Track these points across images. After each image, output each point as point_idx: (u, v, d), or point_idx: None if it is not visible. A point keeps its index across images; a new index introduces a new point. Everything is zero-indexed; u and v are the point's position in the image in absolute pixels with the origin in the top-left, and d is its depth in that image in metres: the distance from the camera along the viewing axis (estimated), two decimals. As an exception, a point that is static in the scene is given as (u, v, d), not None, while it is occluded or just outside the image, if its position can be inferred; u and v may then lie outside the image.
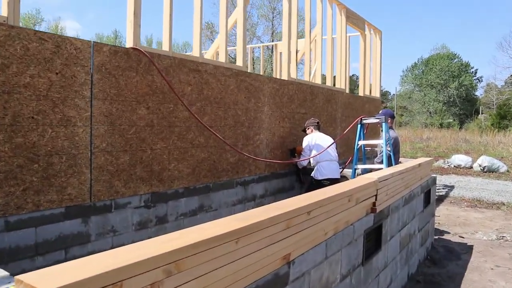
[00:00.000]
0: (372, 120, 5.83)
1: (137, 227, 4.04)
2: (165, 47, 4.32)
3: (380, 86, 10.88)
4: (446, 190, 10.92)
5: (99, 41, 3.76)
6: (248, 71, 5.64)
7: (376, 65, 10.30)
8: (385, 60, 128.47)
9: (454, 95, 52.21)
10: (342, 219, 2.70)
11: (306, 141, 6.01)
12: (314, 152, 5.86)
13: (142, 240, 1.56)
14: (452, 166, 15.90)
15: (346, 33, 8.26)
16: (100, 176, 3.69)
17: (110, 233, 3.80)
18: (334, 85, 8.27)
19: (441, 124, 47.58)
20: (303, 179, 6.35)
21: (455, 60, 54.62)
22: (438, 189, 10.61)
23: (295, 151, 6.27)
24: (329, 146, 5.74)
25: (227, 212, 5.19)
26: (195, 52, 4.73)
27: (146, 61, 4.03)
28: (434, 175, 6.01)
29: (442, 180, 12.58)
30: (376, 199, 3.32)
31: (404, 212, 4.28)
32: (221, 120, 5.00)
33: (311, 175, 5.92)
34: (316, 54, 7.68)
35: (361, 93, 9.60)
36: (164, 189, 4.31)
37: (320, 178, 5.78)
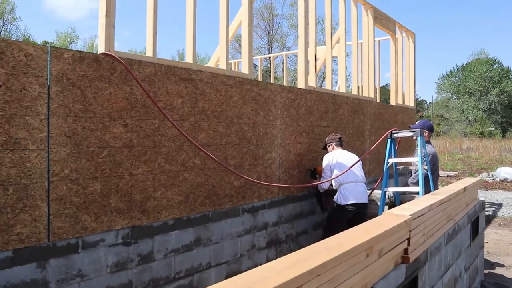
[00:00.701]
0: (404, 134, 4.93)
1: (113, 269, 3.31)
2: (149, 53, 3.63)
3: (415, 94, 9.87)
4: (494, 209, 9.71)
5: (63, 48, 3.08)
6: (259, 79, 4.86)
7: (409, 71, 9.32)
8: (420, 67, 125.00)
9: (495, 102, 49.60)
10: (357, 284, 1.87)
11: (326, 160, 5.16)
12: (336, 173, 5.01)
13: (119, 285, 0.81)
14: (498, 180, 14.50)
15: (374, 35, 7.39)
16: (62, 209, 3.00)
17: (77, 278, 3.09)
18: (361, 94, 7.39)
19: (481, 133, 45.15)
20: (325, 203, 5.48)
21: (495, 66, 52.02)
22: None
23: (316, 171, 5.43)
24: (353, 165, 4.87)
25: (231, 245, 4.41)
26: (188, 59, 4.02)
27: (122, 69, 3.34)
28: (482, 199, 5.02)
29: (487, 196, 11.33)
30: (408, 244, 2.46)
31: (447, 251, 3.36)
32: (222, 137, 4.25)
33: (334, 199, 5.06)
34: (340, 60, 6.83)
35: (392, 102, 8.65)
36: (148, 222, 3.58)
37: (344, 203, 4.92)
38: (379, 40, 8.90)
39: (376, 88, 8.68)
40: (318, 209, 5.69)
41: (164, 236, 3.72)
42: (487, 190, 12.62)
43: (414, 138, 4.90)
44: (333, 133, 5.48)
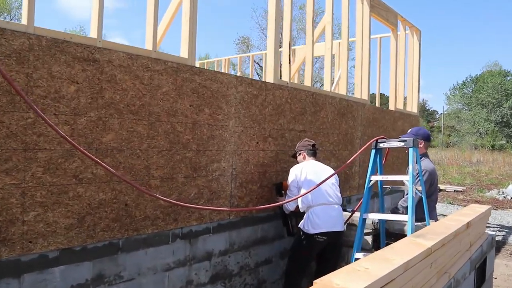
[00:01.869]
0: (393, 144, 3.81)
1: None
2: (23, 19, 2.57)
3: (419, 99, 8.72)
4: (504, 233, 8.50)
5: None
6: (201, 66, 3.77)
7: (412, 73, 8.19)
8: (432, 76, 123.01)
9: (507, 115, 47.95)
10: None
11: (293, 174, 4.07)
12: (303, 191, 3.91)
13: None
14: (509, 198, 13.23)
15: (370, 27, 6.28)
16: None
17: None
18: (352, 94, 6.28)
19: (492, 146, 43.56)
20: (292, 227, 4.36)
21: (508, 78, 50.38)
22: (492, 231, 8.23)
23: (282, 186, 4.34)
24: (323, 181, 3.75)
25: (155, 282, 3.33)
26: (92, 32, 2.95)
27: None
28: (492, 233, 3.88)
29: (497, 217, 10.11)
30: None
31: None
32: (142, 139, 3.18)
33: (300, 225, 3.96)
34: (326, 53, 5.71)
35: (391, 107, 7.52)
36: (13, 255, 2.51)
37: (312, 232, 3.81)
38: (380, 37, 7.79)
39: (376, 93, 7.59)
40: (286, 234, 4.57)
41: (40, 274, 2.65)
42: (496, 209, 11.39)
43: (406, 149, 3.79)
44: (306, 139, 4.38)
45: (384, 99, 18.51)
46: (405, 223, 3.81)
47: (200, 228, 3.67)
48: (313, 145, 4.28)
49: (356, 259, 3.54)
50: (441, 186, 14.84)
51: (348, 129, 5.90)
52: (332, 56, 6.37)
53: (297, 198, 3.94)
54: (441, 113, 57.22)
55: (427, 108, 64.95)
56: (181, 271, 3.53)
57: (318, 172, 3.99)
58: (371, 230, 4.17)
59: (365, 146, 3.86)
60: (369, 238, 4.21)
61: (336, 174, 4.13)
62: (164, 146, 3.32)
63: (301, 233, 3.91)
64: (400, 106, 7.87)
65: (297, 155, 4.30)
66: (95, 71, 2.88)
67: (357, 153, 3.83)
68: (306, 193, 3.76)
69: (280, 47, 4.75)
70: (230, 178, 3.92)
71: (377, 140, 3.84)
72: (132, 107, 3.11)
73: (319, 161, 4.32)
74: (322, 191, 3.89)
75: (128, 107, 3.08)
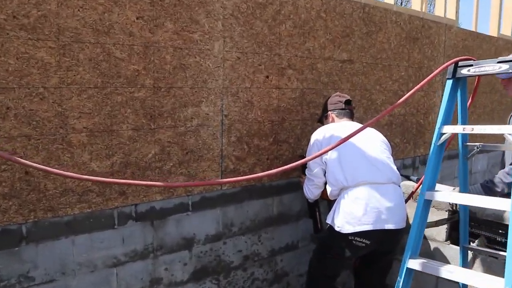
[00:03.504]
0: (487, 69, 2.18)
1: None
2: None
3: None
4: None
5: None
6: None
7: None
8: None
9: None
10: None
11: (313, 140, 2.64)
12: (330, 169, 2.49)
13: None
14: None
15: None
16: None
17: None
18: (429, 11, 4.48)
19: None
20: (320, 220, 2.95)
21: None
22: None
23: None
24: (365, 149, 2.30)
25: (94, 284, 2.26)
26: None
27: None
28: None
29: None
30: None
31: None
32: (48, 71, 1.99)
33: (327, 220, 2.56)
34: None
35: (493, 32, 5.49)
36: None
37: (346, 230, 2.39)
38: None
39: (473, 12, 5.56)
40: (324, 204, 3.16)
41: None
42: None
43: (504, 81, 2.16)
44: (337, 94, 2.86)
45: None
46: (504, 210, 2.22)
47: (170, 204, 2.48)
48: (348, 101, 2.77)
49: (409, 270, 2.10)
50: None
51: (423, 60, 4.19)
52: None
53: (320, 181, 2.57)
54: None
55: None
56: (139, 266, 2.41)
57: (354, 136, 2.50)
58: (448, 212, 2.65)
59: (435, 72, 2.25)
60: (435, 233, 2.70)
61: (383, 138, 2.64)
62: (91, 82, 2.12)
63: (330, 231, 2.52)
64: (507, 31, 5.79)
65: (324, 118, 2.84)
66: None
67: (420, 85, 2.23)
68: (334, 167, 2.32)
69: None
70: (220, 129, 2.62)
71: (456, 63, 2.24)
72: (25, 20, 1.91)
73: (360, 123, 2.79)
74: (365, 161, 2.44)
75: (16, 20, 1.88)
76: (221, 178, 2.65)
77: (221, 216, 2.72)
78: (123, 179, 2.26)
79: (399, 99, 2.20)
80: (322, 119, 2.88)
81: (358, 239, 2.37)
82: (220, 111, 2.60)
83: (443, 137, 2.14)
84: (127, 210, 2.33)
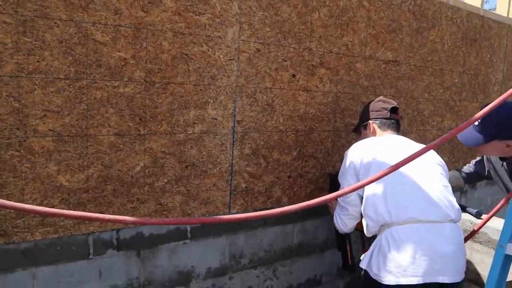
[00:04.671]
0: None
1: None
2: None
3: None
4: None
5: None
6: None
7: None
8: None
9: None
10: None
11: (349, 158, 2.02)
12: (371, 197, 1.90)
13: None
14: None
15: None
16: None
17: None
18: (489, 9, 3.81)
19: None
20: (351, 257, 2.37)
21: None
22: None
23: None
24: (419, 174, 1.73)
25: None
26: None
27: None
28: None
29: None
30: None
31: None
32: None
33: (362, 264, 1.96)
34: None
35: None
36: None
37: (387, 282, 1.77)
38: None
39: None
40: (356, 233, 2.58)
41: None
42: None
43: None
44: (381, 98, 2.26)
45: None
46: None
47: (162, 230, 1.96)
48: (394, 109, 2.18)
49: None
50: None
51: (481, 66, 3.54)
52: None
53: (353, 213, 2.00)
54: None
55: None
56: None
57: (401, 155, 1.89)
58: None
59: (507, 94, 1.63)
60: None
61: (439, 160, 2.03)
62: (61, 71, 1.62)
63: (364, 278, 1.93)
64: None
65: (363, 127, 2.26)
66: None
67: (492, 105, 1.61)
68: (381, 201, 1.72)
69: None
70: (230, 138, 2.09)
71: None
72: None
73: (409, 138, 2.20)
74: (415, 191, 1.85)
75: None
76: (230, 199, 2.11)
77: (228, 245, 2.18)
78: (102, 197, 1.76)
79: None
80: (359, 129, 2.30)
81: None
82: (232, 115, 2.07)
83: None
84: (106, 237, 1.82)
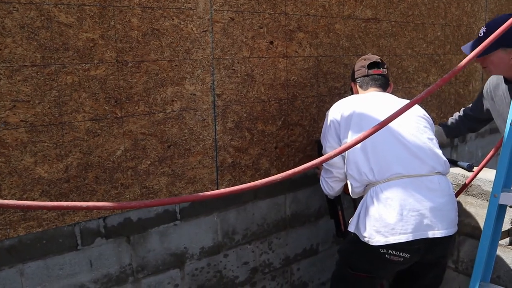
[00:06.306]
0: None
1: None
2: None
3: None
4: None
5: None
6: None
7: None
8: None
9: None
10: None
11: (330, 116, 1.99)
12: (353, 156, 1.86)
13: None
14: None
15: None
16: None
17: None
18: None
19: None
20: (344, 222, 2.35)
21: None
22: None
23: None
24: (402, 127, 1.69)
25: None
26: None
27: None
28: None
29: None
30: None
31: None
32: None
33: (349, 227, 1.93)
34: None
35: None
36: None
37: (375, 243, 1.76)
38: None
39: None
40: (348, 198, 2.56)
41: None
42: None
43: None
44: (365, 56, 2.18)
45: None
46: None
47: (150, 213, 1.92)
48: (371, 65, 2.09)
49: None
50: None
51: (462, 16, 3.48)
52: None
53: (338, 171, 1.96)
54: None
55: None
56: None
57: (384, 110, 1.85)
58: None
59: (489, 40, 1.56)
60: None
61: (423, 112, 1.98)
62: (26, 58, 1.54)
63: (353, 242, 1.91)
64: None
65: (350, 91, 2.20)
66: None
67: (477, 50, 1.55)
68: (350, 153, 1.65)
69: None
70: (212, 113, 2.03)
71: None
72: None
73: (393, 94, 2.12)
74: (398, 146, 1.81)
75: None
76: (217, 175, 2.07)
77: (220, 223, 2.16)
78: (84, 185, 1.71)
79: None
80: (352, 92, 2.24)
81: (393, 252, 1.77)
82: (211, 89, 2.00)
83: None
84: (92, 225, 1.78)
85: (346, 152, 1.87)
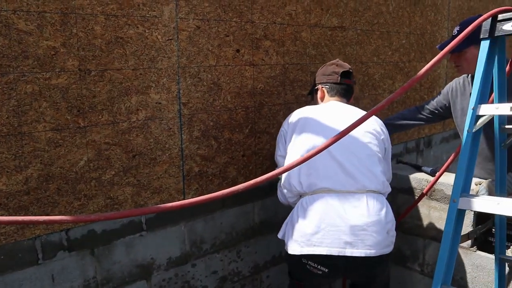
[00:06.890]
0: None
1: None
2: None
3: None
4: None
5: None
6: None
7: None
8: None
9: None
10: None
11: (282, 128, 2.03)
12: (292, 158, 1.88)
13: None
14: None
15: None
16: None
17: None
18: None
19: None
20: None
21: None
22: None
23: None
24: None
25: None
26: None
27: None
28: None
29: None
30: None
31: None
32: None
33: (278, 235, 1.95)
34: None
35: (497, -8, 4.89)
36: None
37: (293, 251, 1.79)
38: None
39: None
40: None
41: None
42: None
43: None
44: (335, 62, 2.18)
45: None
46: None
47: (115, 225, 1.88)
48: (344, 74, 2.10)
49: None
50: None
51: (426, 25, 3.58)
52: None
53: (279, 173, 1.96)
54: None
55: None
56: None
57: (336, 122, 1.87)
58: (474, 219, 2.10)
59: (463, 35, 1.63)
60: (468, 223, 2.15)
61: (372, 126, 1.96)
62: None
63: (285, 249, 1.90)
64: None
65: (314, 92, 2.21)
66: None
67: (441, 55, 1.61)
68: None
69: None
70: (178, 122, 2.01)
71: (495, 16, 1.61)
72: None
73: (354, 105, 2.12)
74: (330, 160, 1.81)
75: None
76: (184, 185, 2.05)
77: (187, 232, 2.13)
78: (45, 197, 1.66)
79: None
80: (312, 93, 2.25)
81: (312, 264, 1.77)
82: (177, 98, 1.98)
83: (481, 121, 1.55)
84: (54, 238, 1.73)
85: (285, 161, 1.91)
